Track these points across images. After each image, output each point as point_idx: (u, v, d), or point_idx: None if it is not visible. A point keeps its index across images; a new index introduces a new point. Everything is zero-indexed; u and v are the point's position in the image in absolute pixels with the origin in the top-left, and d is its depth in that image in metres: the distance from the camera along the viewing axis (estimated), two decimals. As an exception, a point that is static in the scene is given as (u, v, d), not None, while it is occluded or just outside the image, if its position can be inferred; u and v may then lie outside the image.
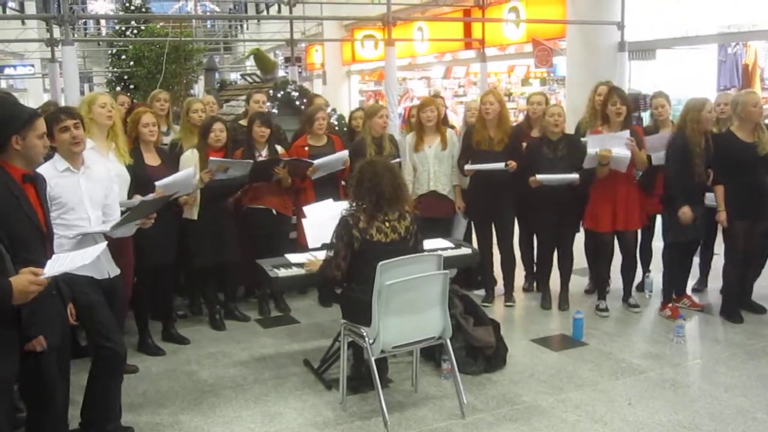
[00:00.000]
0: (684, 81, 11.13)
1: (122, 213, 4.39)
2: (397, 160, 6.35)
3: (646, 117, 6.92)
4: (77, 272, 3.37)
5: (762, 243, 6.11)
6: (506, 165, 6.22)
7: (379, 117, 6.59)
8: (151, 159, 5.53)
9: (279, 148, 6.46)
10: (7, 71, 25.53)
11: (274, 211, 6.39)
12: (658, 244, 6.58)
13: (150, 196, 4.95)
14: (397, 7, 12.15)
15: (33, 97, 23.26)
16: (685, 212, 5.90)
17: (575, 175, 6.12)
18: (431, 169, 6.53)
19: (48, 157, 3.89)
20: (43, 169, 3.94)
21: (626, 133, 5.94)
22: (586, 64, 11.48)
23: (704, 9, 10.88)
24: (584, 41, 11.79)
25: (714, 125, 6.50)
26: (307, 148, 6.51)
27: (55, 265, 2.99)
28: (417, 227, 4.52)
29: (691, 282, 6.77)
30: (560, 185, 6.16)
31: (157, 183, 5.25)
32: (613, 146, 5.92)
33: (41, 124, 3.24)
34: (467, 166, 6.43)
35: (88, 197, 4.08)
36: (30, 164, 3.24)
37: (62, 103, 7.30)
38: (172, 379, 5.19)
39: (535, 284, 7.13)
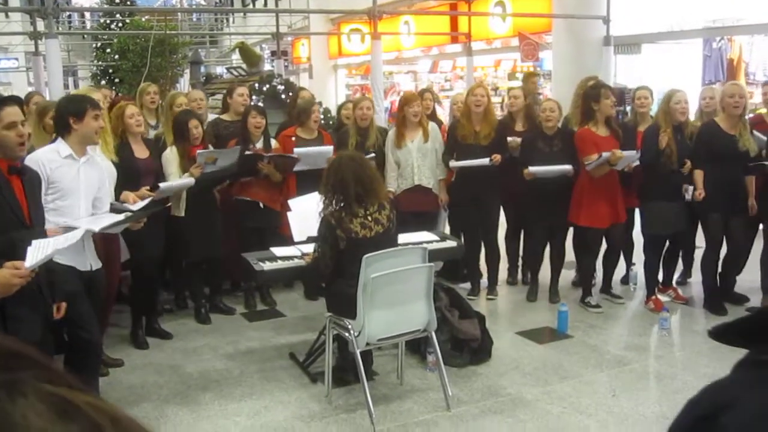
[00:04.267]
0: (669, 75, 11.16)
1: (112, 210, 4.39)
2: (370, 155, 6.18)
3: (629, 111, 6.95)
4: (59, 261, 3.35)
5: (744, 236, 6.17)
6: (491, 160, 6.23)
7: (359, 108, 6.62)
8: (140, 152, 5.51)
9: (273, 142, 6.45)
10: (-9, 65, 25.32)
11: (261, 205, 6.39)
12: (640, 237, 6.61)
13: (145, 202, 4.88)
14: (383, 0, 12.13)
15: (17, 91, 22.93)
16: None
17: (569, 166, 6.14)
18: (415, 164, 6.52)
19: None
20: (45, 153, 4.03)
21: (635, 154, 5.99)
22: (572, 59, 11.51)
23: (689, 4, 10.93)
24: (570, 35, 11.82)
25: (698, 119, 6.57)
26: (294, 139, 6.49)
27: (36, 253, 2.97)
28: (395, 214, 4.53)
29: (676, 275, 6.82)
30: (554, 177, 6.17)
31: (161, 185, 5.31)
32: (623, 165, 6.01)
33: (8, 114, 3.20)
34: (452, 163, 6.43)
35: (84, 186, 4.12)
36: (8, 155, 3.21)
37: (47, 98, 7.24)
38: (158, 372, 5.18)
39: (519, 277, 7.16)
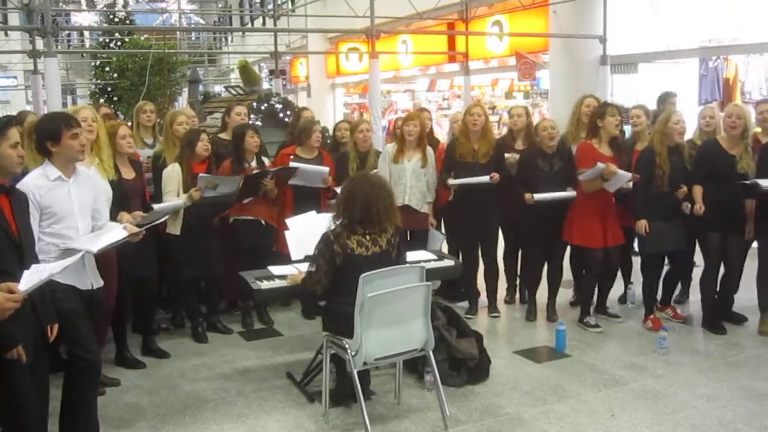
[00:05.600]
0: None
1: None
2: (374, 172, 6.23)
3: (627, 130, 6.97)
4: (60, 280, 3.34)
5: (740, 256, 6.17)
6: (490, 178, 6.24)
7: (359, 132, 6.68)
8: (127, 172, 5.44)
9: (265, 160, 6.46)
10: (-10, 83, 25.42)
11: (262, 222, 6.39)
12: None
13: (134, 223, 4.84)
14: (381, 20, 12.21)
15: (16, 109, 23.10)
16: (642, 225, 5.99)
17: (572, 193, 6.15)
18: (408, 183, 6.51)
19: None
20: (34, 178, 3.96)
21: (628, 175, 5.98)
22: (569, 78, 11.59)
23: (685, 23, 11.00)
24: (567, 55, 11.90)
25: (698, 138, 6.60)
26: (292, 158, 6.50)
27: (32, 277, 2.96)
28: (399, 239, 4.52)
29: (674, 294, 6.81)
30: (555, 202, 6.18)
31: (154, 206, 5.27)
32: (617, 184, 6.00)
33: (14, 134, 3.21)
34: (450, 181, 6.43)
35: (78, 206, 4.07)
36: (4, 174, 3.21)
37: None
38: (154, 392, 5.15)
39: (517, 296, 7.15)
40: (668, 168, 5.95)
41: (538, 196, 6.11)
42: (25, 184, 3.87)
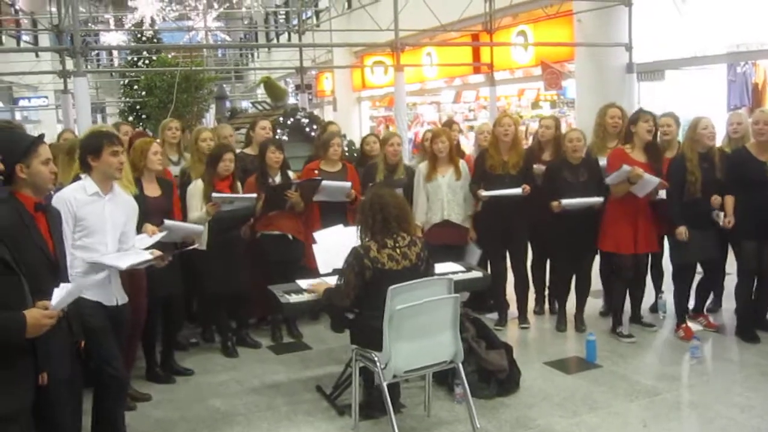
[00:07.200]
0: (693, 101, 11.11)
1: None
2: (398, 190, 6.14)
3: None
4: (85, 296, 3.38)
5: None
6: (522, 190, 6.23)
7: (390, 145, 6.72)
8: (152, 190, 5.46)
9: (291, 174, 6.49)
10: (22, 103, 25.85)
11: (290, 236, 6.42)
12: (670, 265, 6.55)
13: (159, 236, 4.89)
14: (405, 33, 12.23)
15: (47, 129, 23.40)
16: (681, 232, 5.91)
17: (599, 198, 6.12)
18: (445, 198, 6.51)
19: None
20: (72, 191, 4.09)
21: (656, 180, 5.94)
22: (595, 87, 11.53)
23: (712, 29, 10.89)
24: (593, 63, 11.84)
25: (726, 146, 6.52)
26: (317, 172, 6.54)
27: (62, 293, 3.01)
28: (428, 253, 4.52)
29: (707, 303, 6.73)
30: (582, 209, 6.15)
31: (166, 222, 5.22)
32: (645, 189, 5.96)
33: (45, 150, 3.26)
34: (483, 193, 6.40)
35: (111, 224, 4.17)
36: (39, 191, 3.27)
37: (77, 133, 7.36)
38: (185, 407, 5.18)
39: (546, 307, 7.11)
40: (700, 174, 5.90)
41: (565, 202, 6.10)
42: (62, 195, 4.04)
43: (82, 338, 3.56)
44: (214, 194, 5.81)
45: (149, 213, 5.17)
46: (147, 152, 5.40)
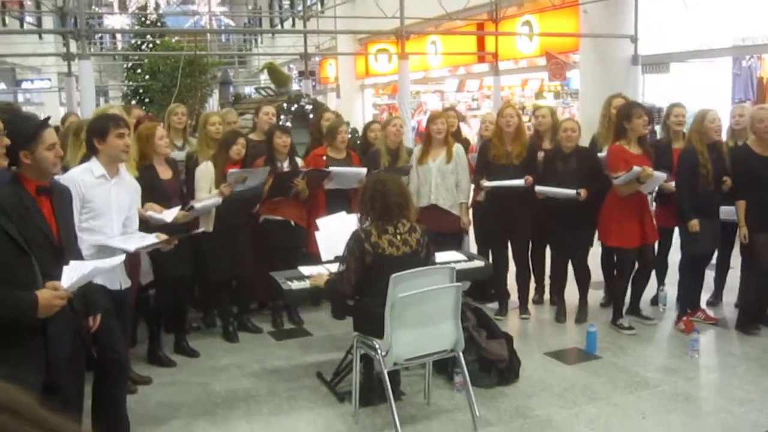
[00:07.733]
0: (698, 94, 11.09)
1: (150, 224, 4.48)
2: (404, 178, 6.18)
3: (658, 130, 6.90)
4: (92, 280, 3.38)
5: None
6: (525, 181, 6.24)
7: (392, 126, 6.69)
8: (164, 173, 5.50)
9: (299, 161, 6.49)
10: (25, 85, 25.83)
11: (292, 223, 6.43)
12: (674, 258, 6.55)
13: (174, 211, 4.99)
14: (410, 21, 12.20)
15: (50, 111, 23.44)
16: (694, 225, 5.91)
17: (572, 191, 6.10)
18: (433, 182, 6.50)
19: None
20: (79, 173, 4.10)
21: (663, 176, 5.95)
22: (600, 78, 11.49)
23: (718, 22, 10.86)
24: (597, 55, 11.80)
25: (730, 138, 6.52)
26: (325, 158, 6.54)
27: (72, 274, 3.02)
28: (428, 239, 4.52)
29: (706, 296, 6.74)
30: (561, 199, 6.16)
31: (195, 205, 5.38)
32: (652, 186, 6.01)
33: (49, 135, 3.23)
34: (485, 183, 6.41)
35: (116, 206, 4.20)
36: (43, 175, 3.25)
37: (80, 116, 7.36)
38: (186, 390, 5.20)
39: (546, 297, 7.12)
40: (711, 166, 5.91)
41: (539, 189, 6.20)
42: (70, 176, 4.04)
43: (95, 313, 3.55)
44: (230, 171, 5.81)
45: (167, 196, 5.28)
46: (153, 138, 5.40)
